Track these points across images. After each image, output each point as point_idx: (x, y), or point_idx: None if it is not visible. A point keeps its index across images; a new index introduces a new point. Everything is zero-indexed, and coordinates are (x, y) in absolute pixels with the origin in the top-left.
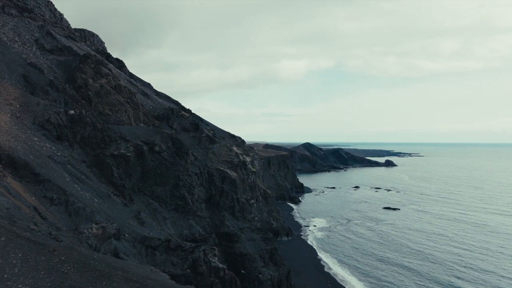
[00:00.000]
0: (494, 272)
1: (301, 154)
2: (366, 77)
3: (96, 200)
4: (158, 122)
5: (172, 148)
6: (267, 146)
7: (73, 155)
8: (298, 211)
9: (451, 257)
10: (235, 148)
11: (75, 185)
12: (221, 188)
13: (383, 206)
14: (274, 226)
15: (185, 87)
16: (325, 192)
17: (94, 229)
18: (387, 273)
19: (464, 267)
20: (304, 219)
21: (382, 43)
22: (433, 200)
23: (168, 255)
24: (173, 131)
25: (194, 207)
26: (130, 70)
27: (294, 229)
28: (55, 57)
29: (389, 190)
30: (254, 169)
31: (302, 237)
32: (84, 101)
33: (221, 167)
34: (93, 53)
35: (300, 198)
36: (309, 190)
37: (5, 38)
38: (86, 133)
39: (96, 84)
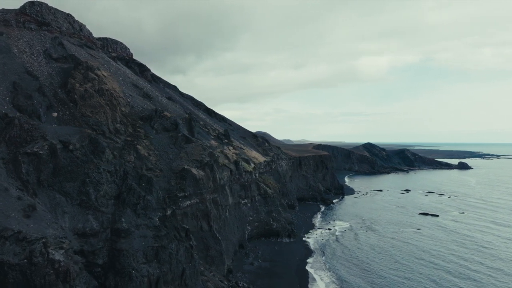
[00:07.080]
0: None
1: (360, 155)
2: (458, 72)
3: None
4: (141, 122)
5: (87, 147)
6: (319, 146)
7: None
8: (324, 213)
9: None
10: (229, 149)
11: None
12: (129, 186)
13: (422, 212)
14: (274, 226)
15: (263, 88)
16: (367, 195)
17: None
18: None
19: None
20: (323, 221)
21: (475, 33)
22: (481, 209)
23: (16, 245)
24: (154, 131)
25: (98, 203)
26: (206, 73)
27: (305, 231)
28: (59, 65)
29: (442, 195)
30: (249, 169)
31: (306, 240)
32: (71, 104)
33: (187, 166)
34: (97, 57)
35: (334, 200)
36: (351, 192)
37: (16, 50)
38: (13, 133)
39: (81, 88)
